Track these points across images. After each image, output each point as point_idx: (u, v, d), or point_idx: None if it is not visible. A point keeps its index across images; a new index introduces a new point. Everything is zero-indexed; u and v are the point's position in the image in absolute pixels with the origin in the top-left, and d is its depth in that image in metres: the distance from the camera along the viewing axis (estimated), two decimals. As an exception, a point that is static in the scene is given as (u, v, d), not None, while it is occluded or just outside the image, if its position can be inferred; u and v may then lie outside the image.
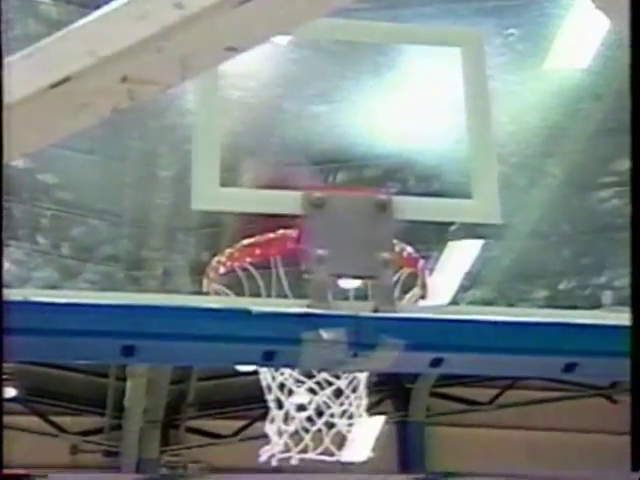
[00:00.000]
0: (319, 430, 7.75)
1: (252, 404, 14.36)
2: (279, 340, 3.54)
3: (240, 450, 15.76)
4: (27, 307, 3.36)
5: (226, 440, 16.40)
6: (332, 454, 7.90)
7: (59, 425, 16.00)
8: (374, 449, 16.21)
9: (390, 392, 16.53)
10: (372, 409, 15.83)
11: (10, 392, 14.67)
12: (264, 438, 7.97)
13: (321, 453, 7.87)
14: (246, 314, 3.49)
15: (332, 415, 7.73)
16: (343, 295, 4.05)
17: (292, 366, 6.12)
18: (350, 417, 7.82)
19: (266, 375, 7.78)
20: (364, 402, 7.84)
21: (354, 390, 7.74)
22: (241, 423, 16.06)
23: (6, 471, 2.47)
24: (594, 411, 16.28)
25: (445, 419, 16.77)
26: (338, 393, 7.76)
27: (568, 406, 16.46)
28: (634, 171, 2.46)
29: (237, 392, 15.79)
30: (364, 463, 16.02)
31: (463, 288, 11.89)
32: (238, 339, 3.56)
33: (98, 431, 16.17)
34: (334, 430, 7.84)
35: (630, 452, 2.37)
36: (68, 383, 15.73)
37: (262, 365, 6.37)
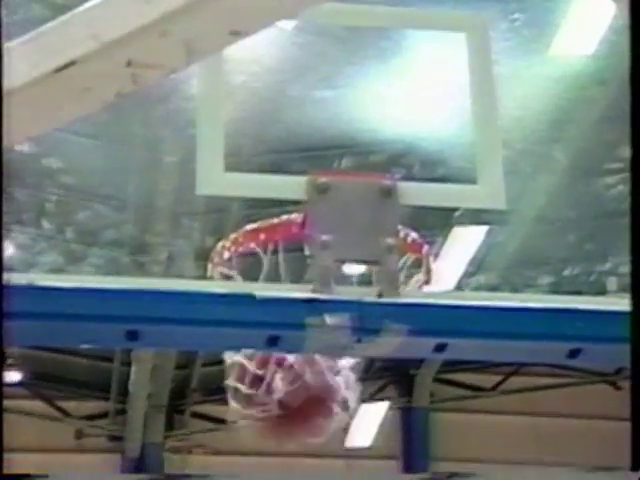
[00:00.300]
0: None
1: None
2: (283, 325, 3.54)
3: (244, 435, 15.76)
4: (32, 291, 3.36)
5: (230, 425, 16.41)
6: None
7: (64, 409, 16.04)
8: (378, 435, 16.25)
9: (394, 378, 16.54)
10: (376, 395, 15.90)
11: (15, 376, 14.71)
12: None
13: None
14: (250, 299, 3.50)
15: None
16: (347, 280, 4.05)
17: (296, 351, 6.13)
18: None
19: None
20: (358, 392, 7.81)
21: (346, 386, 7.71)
22: (245, 408, 16.07)
23: (6, 471, 2.46)
24: (598, 397, 16.29)
25: (449, 405, 16.78)
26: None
27: (572, 392, 16.46)
28: (634, 159, 2.45)
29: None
30: (368, 448, 16.06)
31: (468, 274, 11.89)
32: (242, 324, 3.56)
33: (103, 415, 16.21)
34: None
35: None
36: (73, 368, 15.76)
37: (266, 350, 6.38)
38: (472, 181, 3.85)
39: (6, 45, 2.55)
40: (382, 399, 16.20)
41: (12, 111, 2.51)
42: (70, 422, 16.05)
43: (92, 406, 16.19)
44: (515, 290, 11.68)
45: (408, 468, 16.49)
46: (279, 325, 3.53)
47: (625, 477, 2.62)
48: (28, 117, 2.60)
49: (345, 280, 3.84)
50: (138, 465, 15.96)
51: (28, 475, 2.62)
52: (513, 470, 15.24)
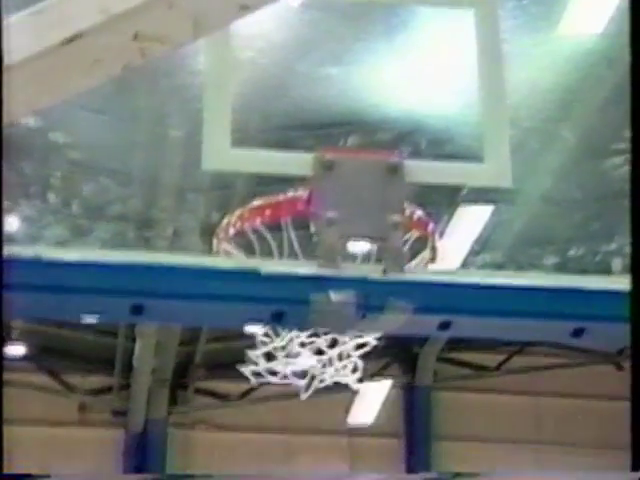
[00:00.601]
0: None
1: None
2: (288, 301, 3.54)
3: (247, 411, 15.85)
4: (38, 264, 3.37)
5: (233, 402, 16.47)
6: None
7: (68, 384, 16.09)
8: (380, 413, 16.28)
9: (397, 356, 16.56)
10: (379, 373, 15.92)
11: (19, 350, 14.74)
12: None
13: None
14: (255, 275, 3.50)
15: None
16: (352, 257, 4.05)
17: (301, 327, 6.15)
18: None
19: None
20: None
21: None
22: (248, 385, 16.12)
23: (6, 471, 2.47)
24: (601, 378, 16.30)
25: (452, 384, 16.80)
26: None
27: (576, 372, 16.48)
28: (634, 142, 2.45)
29: (245, 354, 15.82)
30: (370, 426, 16.10)
31: (473, 252, 11.88)
32: (247, 299, 3.57)
33: (107, 390, 16.25)
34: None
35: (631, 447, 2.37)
36: (78, 342, 15.80)
37: (271, 325, 6.40)
38: (479, 159, 3.85)
39: (12, 18, 2.54)
40: (385, 377, 16.22)
41: (18, 84, 2.50)
42: (74, 396, 16.10)
43: (96, 380, 16.24)
44: (520, 269, 11.66)
45: (410, 446, 16.53)
46: (284, 301, 3.54)
47: (625, 477, 2.63)
48: (34, 90, 2.59)
49: (350, 257, 3.85)
50: (141, 440, 16.01)
51: (29, 475, 2.64)
52: (514, 470, 15.28)
